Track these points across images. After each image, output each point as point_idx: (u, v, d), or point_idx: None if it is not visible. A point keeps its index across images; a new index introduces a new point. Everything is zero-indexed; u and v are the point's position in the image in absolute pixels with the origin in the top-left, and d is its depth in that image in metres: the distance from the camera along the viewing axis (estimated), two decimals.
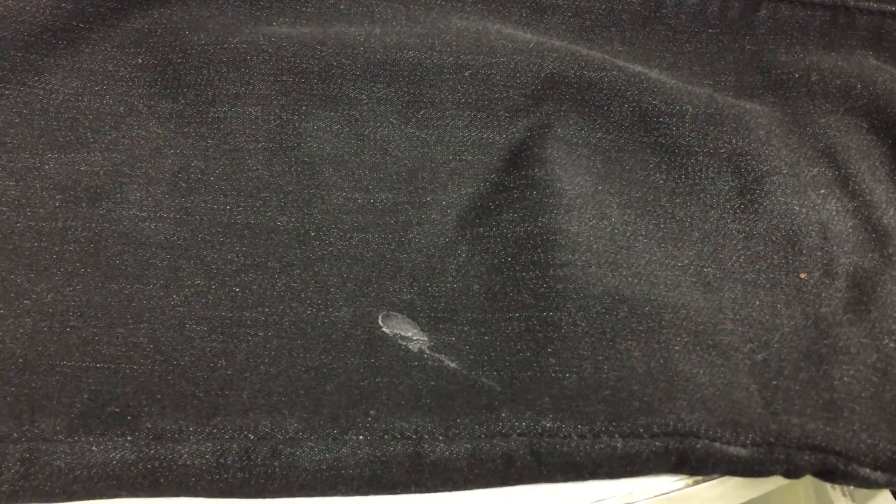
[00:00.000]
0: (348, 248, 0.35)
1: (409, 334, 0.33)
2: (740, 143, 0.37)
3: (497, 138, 0.38)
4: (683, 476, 0.31)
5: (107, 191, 0.35)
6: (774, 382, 0.31)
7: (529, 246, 0.34)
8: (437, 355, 0.32)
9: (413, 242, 0.35)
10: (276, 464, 0.29)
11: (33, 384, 0.30)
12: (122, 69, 0.38)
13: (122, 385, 0.30)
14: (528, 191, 0.36)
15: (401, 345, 0.33)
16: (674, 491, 0.31)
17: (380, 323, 0.33)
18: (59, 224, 0.34)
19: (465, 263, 0.35)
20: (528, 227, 0.35)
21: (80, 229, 0.34)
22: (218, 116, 0.38)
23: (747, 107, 0.39)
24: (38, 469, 0.28)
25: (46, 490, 0.28)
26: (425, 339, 0.33)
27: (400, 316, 0.33)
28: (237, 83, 0.38)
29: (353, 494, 0.29)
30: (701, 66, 0.41)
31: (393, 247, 0.35)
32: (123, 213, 0.35)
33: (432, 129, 0.38)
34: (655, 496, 0.30)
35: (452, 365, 0.32)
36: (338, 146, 0.37)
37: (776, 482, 0.32)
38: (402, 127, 0.38)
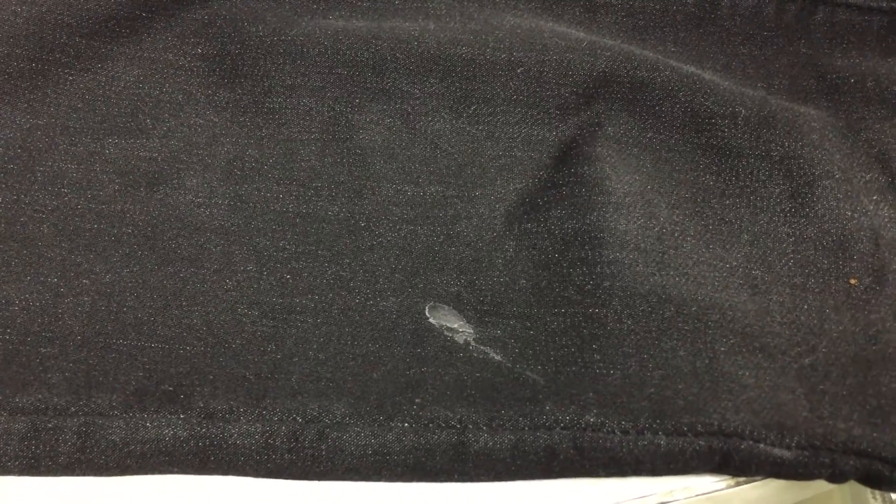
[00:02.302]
0: (397, 239, 0.35)
1: (455, 326, 0.33)
2: (793, 147, 0.37)
3: (547, 135, 0.38)
4: (725, 477, 0.31)
5: (164, 176, 0.36)
6: (821, 387, 0.31)
7: (577, 243, 0.35)
8: (482, 348, 0.33)
9: (461, 236, 0.36)
10: (322, 447, 0.30)
11: (90, 361, 0.31)
12: (182, 59, 0.39)
13: (176, 365, 0.31)
14: (576, 188, 0.36)
15: (447, 336, 0.33)
16: (715, 491, 0.31)
17: (427, 314, 0.34)
18: (118, 207, 0.35)
19: (512, 258, 0.35)
20: (576, 224, 0.35)
21: (137, 213, 0.35)
22: (273, 107, 0.38)
23: (801, 110, 0.38)
24: (94, 443, 0.29)
25: (101, 463, 0.29)
26: (471, 331, 0.33)
27: (446, 308, 0.34)
28: (293, 74, 0.39)
29: (397, 480, 0.30)
30: (755, 69, 0.41)
31: (441, 239, 0.36)
32: (180, 198, 0.36)
33: (483, 125, 0.38)
34: (696, 496, 0.30)
35: (497, 358, 0.32)
36: (389, 139, 0.38)
37: (819, 487, 0.32)
38: (454, 122, 0.38)
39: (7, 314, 0.32)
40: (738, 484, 0.31)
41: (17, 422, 0.29)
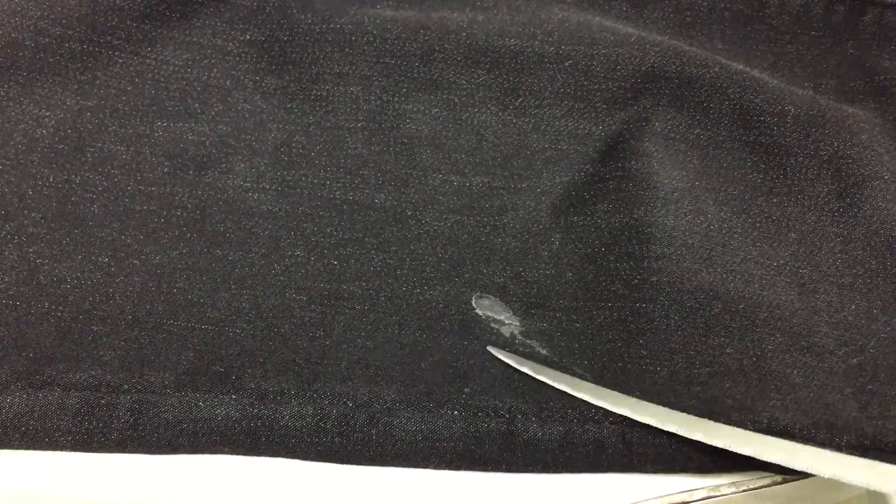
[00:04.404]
0: (443, 228, 0.35)
1: (502, 318, 0.33)
2: (842, 147, 0.37)
3: (594, 129, 0.38)
4: (771, 473, 0.31)
5: (212, 160, 0.36)
6: (870, 387, 0.31)
7: (624, 237, 0.34)
8: (528, 341, 0.33)
9: (507, 227, 0.36)
10: (373, 431, 0.30)
11: (142, 340, 0.31)
12: (231, 44, 0.39)
13: (226, 347, 0.31)
14: (623, 183, 0.36)
15: (493, 328, 0.33)
16: (761, 487, 0.31)
17: (473, 305, 0.34)
18: (168, 189, 0.35)
19: (558, 251, 0.35)
20: (623, 218, 0.35)
21: (186, 196, 0.35)
22: (321, 94, 0.38)
23: (849, 111, 0.38)
24: (147, 420, 0.29)
25: (153, 441, 0.29)
26: (517, 323, 0.33)
27: (493, 299, 0.34)
28: (341, 63, 0.39)
29: (445, 468, 0.30)
30: (802, 68, 0.41)
31: (487, 230, 0.36)
32: (228, 182, 0.36)
33: (529, 117, 0.38)
34: (742, 491, 0.30)
35: (543, 352, 0.33)
36: (436, 129, 0.38)
37: (862, 487, 0.32)
38: (500, 113, 0.38)
39: (59, 292, 0.32)
40: (784, 481, 0.31)
41: (71, 397, 0.30)
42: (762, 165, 0.37)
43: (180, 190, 0.35)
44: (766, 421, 0.30)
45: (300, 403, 0.30)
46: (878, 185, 0.36)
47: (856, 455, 0.29)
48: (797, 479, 0.31)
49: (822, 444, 0.29)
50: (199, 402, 0.30)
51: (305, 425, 0.30)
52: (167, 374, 0.30)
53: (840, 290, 0.34)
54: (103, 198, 0.35)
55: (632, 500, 0.30)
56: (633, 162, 0.36)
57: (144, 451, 0.30)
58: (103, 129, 0.37)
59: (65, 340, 0.31)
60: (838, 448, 0.29)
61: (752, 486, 0.31)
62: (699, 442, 0.29)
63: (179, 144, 0.37)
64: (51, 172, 0.35)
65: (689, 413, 0.30)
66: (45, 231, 0.34)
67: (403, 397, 0.31)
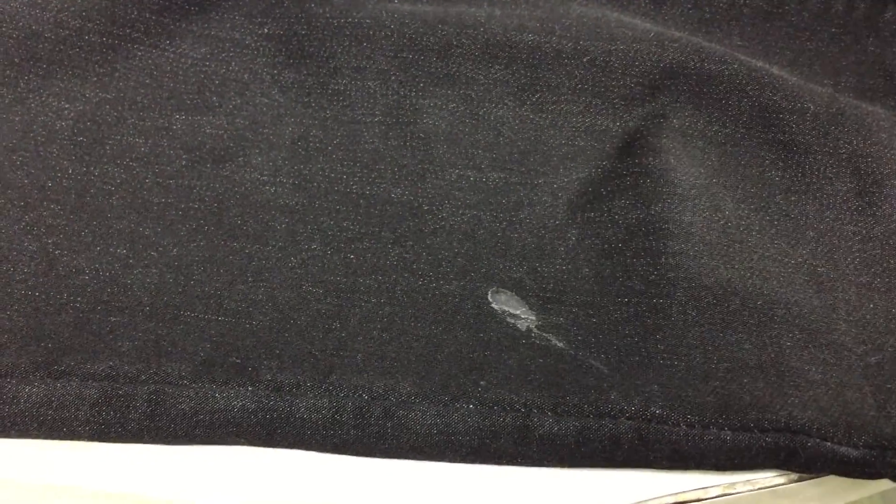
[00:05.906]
0: (460, 223, 0.35)
1: (518, 312, 0.33)
2: (861, 145, 0.36)
3: (611, 125, 0.38)
4: (787, 472, 0.31)
5: (230, 153, 0.36)
6: (888, 385, 0.31)
7: (641, 233, 0.34)
8: (544, 335, 0.33)
9: (524, 223, 0.36)
10: (388, 424, 0.30)
11: (159, 331, 0.31)
12: (249, 38, 0.39)
13: (243, 338, 0.32)
14: (641, 179, 0.36)
15: (509, 322, 0.33)
16: (777, 486, 0.30)
17: (489, 299, 0.34)
18: (185, 182, 0.35)
19: (574, 246, 0.35)
20: (640, 214, 0.35)
21: (204, 188, 0.35)
22: (338, 88, 0.38)
23: (869, 109, 0.38)
24: (164, 411, 0.30)
25: (170, 431, 0.30)
26: (533, 318, 0.33)
27: (509, 293, 0.34)
28: (358, 57, 0.39)
29: (460, 461, 0.30)
30: (821, 66, 0.40)
31: (504, 225, 0.36)
32: (245, 175, 0.36)
33: (546, 113, 0.38)
34: (758, 489, 0.30)
35: (560, 345, 0.32)
36: (453, 124, 0.38)
37: (879, 486, 0.32)
38: (517, 109, 0.38)
39: (77, 283, 0.32)
40: (800, 479, 0.30)
41: (89, 388, 0.30)
42: (781, 163, 0.37)
43: (198, 183, 0.36)
44: (784, 420, 0.30)
45: (316, 396, 0.30)
46: None
47: (873, 454, 0.29)
48: (812, 478, 0.31)
49: (840, 444, 0.29)
50: (215, 393, 0.30)
51: (321, 418, 0.30)
52: (184, 365, 0.31)
53: (858, 289, 0.34)
54: (122, 190, 0.35)
55: (647, 496, 0.30)
56: (650, 158, 0.36)
57: (161, 442, 0.30)
58: (122, 121, 0.37)
59: (83, 331, 0.31)
60: (855, 447, 0.29)
61: (767, 485, 0.30)
62: (716, 440, 0.29)
63: (197, 137, 0.37)
64: (70, 164, 0.35)
65: (706, 409, 0.30)
66: (63, 222, 0.34)
67: (419, 390, 0.31)
